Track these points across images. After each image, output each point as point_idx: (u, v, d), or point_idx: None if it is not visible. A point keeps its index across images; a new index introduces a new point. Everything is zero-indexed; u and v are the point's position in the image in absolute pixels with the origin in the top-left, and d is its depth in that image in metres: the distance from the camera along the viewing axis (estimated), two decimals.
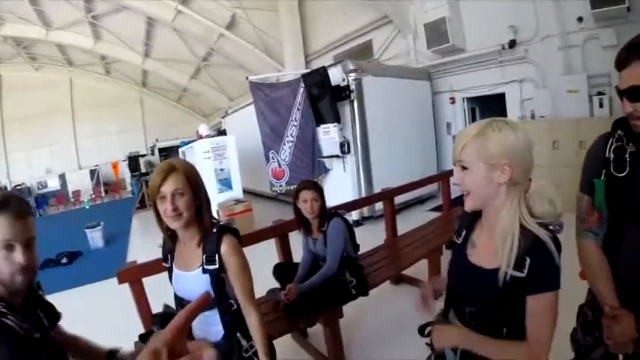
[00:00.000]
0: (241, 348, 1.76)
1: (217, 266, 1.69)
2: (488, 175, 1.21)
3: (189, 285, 1.75)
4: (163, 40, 17.59)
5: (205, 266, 1.69)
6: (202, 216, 1.72)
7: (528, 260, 1.15)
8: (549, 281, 1.16)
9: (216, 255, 1.69)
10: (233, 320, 1.76)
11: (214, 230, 1.74)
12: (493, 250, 1.24)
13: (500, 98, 8.20)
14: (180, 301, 1.83)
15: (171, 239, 1.83)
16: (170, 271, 1.85)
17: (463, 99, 9.03)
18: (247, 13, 13.08)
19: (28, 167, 24.59)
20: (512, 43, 7.55)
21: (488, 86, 8.35)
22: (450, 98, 9.13)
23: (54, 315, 1.56)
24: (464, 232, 1.44)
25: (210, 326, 1.78)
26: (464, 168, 1.26)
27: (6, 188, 23.02)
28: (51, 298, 4.64)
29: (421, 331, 1.53)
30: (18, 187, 23.32)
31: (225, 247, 1.70)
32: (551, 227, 1.18)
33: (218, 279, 1.70)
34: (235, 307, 1.76)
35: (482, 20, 8.02)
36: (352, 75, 7.21)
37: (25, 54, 22.19)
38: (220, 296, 1.73)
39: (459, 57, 8.61)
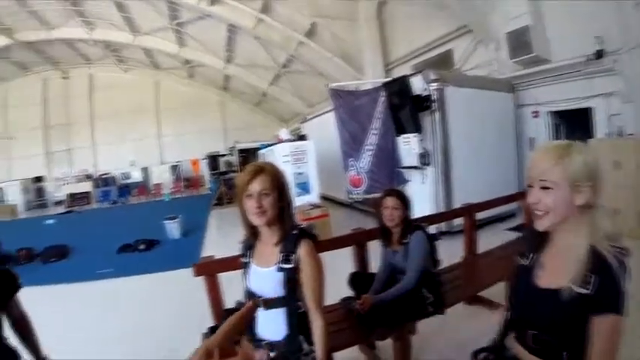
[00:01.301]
0: (302, 351, 1.79)
1: (292, 266, 1.77)
2: (569, 197, 1.25)
3: (262, 280, 1.84)
4: (245, 47, 18.19)
5: (281, 264, 1.78)
6: (284, 217, 1.82)
7: (594, 278, 1.17)
8: (614, 303, 1.16)
9: (293, 255, 1.77)
10: (298, 322, 1.81)
11: (294, 232, 1.83)
12: (560, 270, 1.26)
13: (586, 113, 7.68)
14: (251, 295, 1.90)
15: (252, 236, 1.93)
16: (247, 266, 1.93)
17: (547, 113, 8.53)
18: (327, 21, 13.25)
19: (114, 159, 26.52)
20: (600, 54, 6.99)
21: (573, 100, 7.83)
22: (533, 112, 8.67)
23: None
24: (531, 255, 1.44)
25: (275, 325, 1.84)
26: (545, 188, 1.28)
27: (92, 177, 24.88)
28: (124, 281, 4.96)
29: (475, 356, 1.56)
30: (103, 176, 25.05)
31: (303, 249, 1.78)
32: (619, 251, 1.20)
33: (291, 279, 1.77)
34: (302, 309, 1.81)
35: (568, 29, 7.55)
36: (434, 85, 7.08)
37: (114, 57, 23.83)
38: (290, 296, 1.80)
39: (542, 68, 8.15)
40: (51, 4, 16.77)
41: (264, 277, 1.82)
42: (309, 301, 1.77)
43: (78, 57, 24.18)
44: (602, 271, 1.17)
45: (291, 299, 1.79)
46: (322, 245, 3.26)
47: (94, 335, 4.66)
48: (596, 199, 1.26)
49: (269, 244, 1.85)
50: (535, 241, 1.45)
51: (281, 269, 1.77)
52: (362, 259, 3.62)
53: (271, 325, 1.86)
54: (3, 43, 19.62)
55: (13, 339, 1.88)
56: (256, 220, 1.76)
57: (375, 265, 3.37)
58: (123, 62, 25.36)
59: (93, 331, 4.78)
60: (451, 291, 3.43)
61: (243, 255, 1.98)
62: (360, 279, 3.34)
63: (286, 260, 1.77)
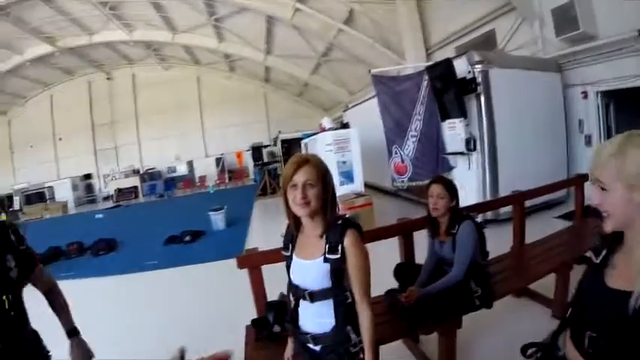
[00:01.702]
0: (350, 342, 1.78)
1: (339, 256, 1.73)
2: (627, 196, 1.14)
3: (307, 273, 1.81)
4: (283, 37, 18.32)
5: (327, 255, 1.74)
6: (327, 208, 1.79)
7: None
8: None
9: (339, 245, 1.73)
10: (346, 313, 1.78)
11: (339, 222, 1.79)
12: (632, 272, 1.15)
13: (638, 92, 7.24)
14: (295, 289, 1.88)
15: (295, 228, 1.90)
16: (289, 259, 1.91)
17: (597, 93, 8.07)
18: (365, 7, 13.10)
19: (159, 154, 27.52)
20: None
21: (624, 78, 7.36)
22: (582, 92, 8.22)
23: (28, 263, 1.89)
24: (604, 252, 1.32)
25: (321, 318, 1.82)
26: (603, 189, 1.19)
27: (139, 171, 25.79)
28: (170, 272, 5.05)
29: (524, 350, 1.50)
30: (150, 171, 25.88)
31: (349, 239, 1.74)
32: None
33: (338, 269, 1.74)
34: (350, 300, 1.78)
35: (615, 3, 7.14)
36: (478, 67, 6.90)
37: (155, 55, 24.52)
38: (337, 287, 1.77)
39: (590, 45, 7.73)
40: (89, 11, 17.33)
41: (309, 269, 1.80)
42: (357, 292, 1.76)
43: (120, 58, 25.13)
44: None
45: (338, 290, 1.77)
46: (367, 235, 3.23)
47: (135, 323, 4.91)
48: None
49: (312, 236, 1.83)
50: (609, 238, 1.32)
51: (327, 260, 1.75)
52: (408, 249, 3.54)
53: (317, 318, 1.84)
54: (46, 50, 20.61)
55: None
56: (300, 211, 1.74)
57: (421, 255, 3.30)
58: (164, 60, 26.06)
59: (134, 319, 5.02)
60: (499, 283, 3.30)
61: (285, 248, 1.95)
62: (405, 270, 3.29)
63: (333, 250, 1.74)
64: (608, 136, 7.68)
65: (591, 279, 1.33)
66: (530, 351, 1.50)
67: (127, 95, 27.53)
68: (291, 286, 1.91)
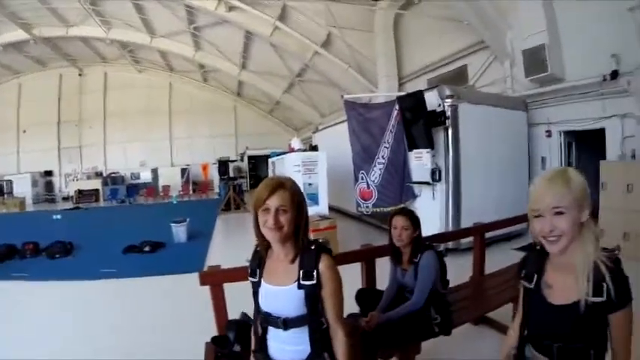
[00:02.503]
0: None
1: (315, 282, 1.69)
2: (578, 217, 1.40)
3: (279, 300, 1.75)
4: (260, 54, 18.42)
5: (302, 281, 1.70)
6: (300, 234, 1.75)
7: (606, 286, 1.33)
8: (627, 300, 1.35)
9: (315, 271, 1.70)
10: (322, 339, 1.75)
11: (312, 247, 1.76)
12: (571, 285, 1.41)
13: (599, 134, 7.62)
14: (266, 317, 1.79)
15: (264, 252, 1.83)
16: (257, 285, 1.83)
17: (560, 132, 8.49)
18: (342, 32, 13.34)
19: (123, 158, 27.06)
20: (615, 74, 6.95)
21: (586, 120, 7.76)
22: (546, 131, 8.62)
23: None
24: (535, 277, 1.58)
25: (296, 345, 1.76)
26: (559, 213, 1.40)
27: (101, 174, 25.23)
28: (128, 282, 4.97)
29: None
30: (113, 175, 25.36)
31: (324, 264, 1.71)
32: (612, 253, 1.40)
33: (312, 295, 1.70)
34: (325, 325, 1.75)
35: (584, 48, 7.56)
36: (448, 101, 7.08)
37: (130, 57, 24.23)
38: (313, 313, 1.72)
39: (557, 87, 8.14)
40: (70, 2, 17.01)
41: (281, 296, 1.74)
42: (331, 316, 1.74)
43: (94, 55, 24.60)
44: (611, 278, 1.33)
45: (313, 316, 1.73)
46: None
47: (92, 333, 4.71)
48: (590, 212, 1.42)
49: (283, 261, 1.77)
50: (536, 264, 1.59)
51: (301, 286, 1.70)
52: (370, 275, 3.60)
53: (290, 345, 1.77)
54: (21, 37, 20.07)
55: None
56: (272, 236, 1.69)
57: (383, 281, 3.35)
58: (138, 63, 25.72)
59: (91, 329, 4.82)
60: (458, 311, 3.38)
61: (252, 273, 1.87)
62: (367, 296, 3.32)
63: (308, 277, 1.70)
64: None
65: (535, 303, 1.57)
66: None
67: (96, 94, 26.89)
68: (260, 313, 1.82)
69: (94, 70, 26.77)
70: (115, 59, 25.62)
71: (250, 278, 1.88)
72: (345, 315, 3.03)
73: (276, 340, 1.80)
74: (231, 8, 14.51)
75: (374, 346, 2.80)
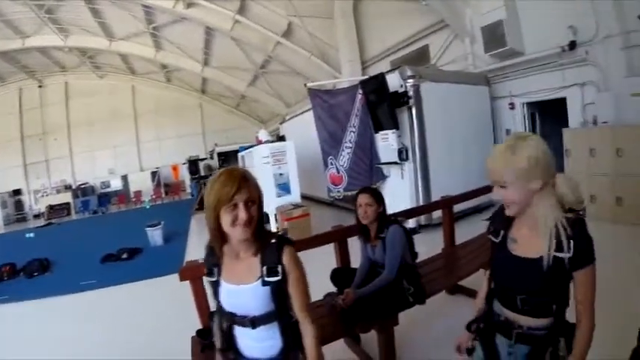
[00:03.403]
0: None
1: (280, 277, 1.62)
2: (525, 186, 1.44)
3: (244, 299, 1.66)
4: (222, 49, 18.15)
5: (266, 278, 1.62)
6: (261, 226, 1.65)
7: (571, 243, 1.39)
8: (590, 257, 1.42)
9: (279, 266, 1.62)
10: (293, 333, 1.70)
11: (273, 241, 1.68)
12: (535, 241, 1.47)
13: (560, 103, 7.83)
14: (231, 317, 1.71)
15: (220, 251, 1.72)
16: (216, 284, 1.73)
17: (523, 104, 8.67)
18: (303, 20, 13.24)
19: (91, 168, 26.26)
20: (573, 45, 7.15)
21: (548, 91, 7.98)
22: (510, 104, 8.78)
23: None
24: (502, 232, 1.66)
25: (266, 341, 1.70)
26: (503, 187, 1.49)
27: (71, 187, 24.51)
28: (109, 290, 4.95)
29: (469, 327, 1.81)
30: (82, 186, 24.77)
31: (287, 256, 1.64)
32: (578, 213, 1.47)
33: (280, 290, 1.64)
34: (294, 319, 1.70)
35: (541, 22, 7.72)
36: (410, 81, 7.18)
37: (90, 63, 23.57)
38: (281, 309, 1.67)
39: (517, 60, 8.32)
40: (25, 13, 16.47)
41: (246, 294, 1.64)
42: (297, 307, 1.67)
43: (53, 65, 23.74)
44: (573, 237, 1.39)
45: (282, 312, 1.67)
46: (303, 243, 3.33)
47: (78, 345, 4.65)
48: (550, 177, 1.45)
49: (244, 258, 1.68)
50: (503, 220, 1.66)
51: (266, 283, 1.61)
52: (343, 255, 3.71)
53: (260, 342, 1.70)
54: None
55: None
56: (240, 233, 1.56)
57: (356, 260, 3.41)
58: (99, 68, 25.06)
59: (79, 343, 4.74)
60: (432, 282, 3.50)
61: (209, 273, 1.76)
62: (341, 274, 3.41)
63: (272, 272, 1.61)
64: None
65: (500, 255, 1.64)
66: (473, 326, 1.78)
67: (59, 105, 25.81)
68: (223, 313, 1.73)
69: (55, 80, 25.72)
70: (75, 67, 24.77)
71: (208, 278, 1.78)
72: (322, 295, 3.13)
73: (245, 337, 1.74)
74: (189, 5, 14.25)
75: (353, 322, 2.89)
